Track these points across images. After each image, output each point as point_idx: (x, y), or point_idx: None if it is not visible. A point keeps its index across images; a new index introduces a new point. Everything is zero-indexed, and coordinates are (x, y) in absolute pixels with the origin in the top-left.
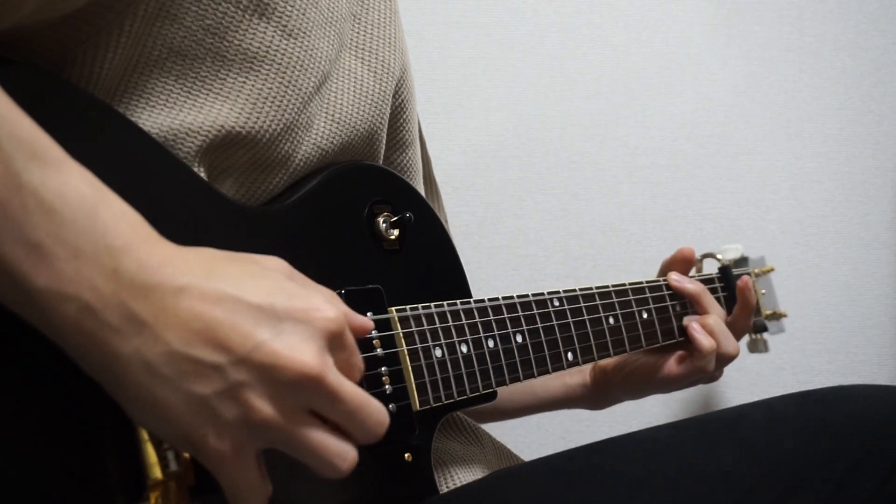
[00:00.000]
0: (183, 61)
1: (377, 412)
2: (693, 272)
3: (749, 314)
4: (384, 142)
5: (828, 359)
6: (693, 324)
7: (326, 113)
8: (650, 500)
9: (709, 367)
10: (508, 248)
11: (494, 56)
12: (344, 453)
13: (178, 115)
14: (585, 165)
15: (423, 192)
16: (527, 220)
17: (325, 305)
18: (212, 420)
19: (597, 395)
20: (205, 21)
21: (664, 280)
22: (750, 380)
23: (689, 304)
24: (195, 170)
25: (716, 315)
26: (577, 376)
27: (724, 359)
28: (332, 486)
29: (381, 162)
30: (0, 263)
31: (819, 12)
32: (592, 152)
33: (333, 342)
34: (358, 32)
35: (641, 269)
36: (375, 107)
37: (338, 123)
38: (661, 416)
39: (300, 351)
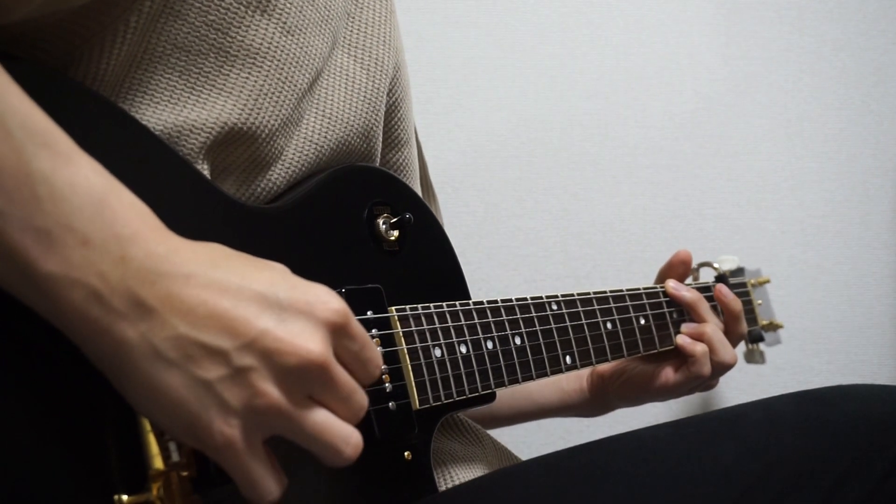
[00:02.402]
0: (187, 57)
1: (361, 399)
2: (689, 281)
3: (736, 319)
4: (381, 139)
5: (828, 359)
6: (680, 335)
7: (317, 109)
8: (649, 499)
9: (704, 372)
10: (508, 248)
11: (494, 56)
12: (348, 437)
13: (182, 111)
14: (585, 165)
15: (419, 192)
16: (527, 220)
17: (328, 296)
18: (217, 405)
19: (594, 402)
20: (208, 17)
21: (661, 287)
22: (750, 380)
23: (685, 312)
24: (199, 167)
25: (712, 324)
26: (574, 383)
27: (720, 367)
28: (332, 483)
29: (378, 160)
30: (9, 249)
31: (819, 12)
32: (592, 152)
33: (337, 331)
34: (352, 31)
35: (641, 270)
36: (369, 104)
37: (330, 119)
38: (660, 416)
39: (303, 338)
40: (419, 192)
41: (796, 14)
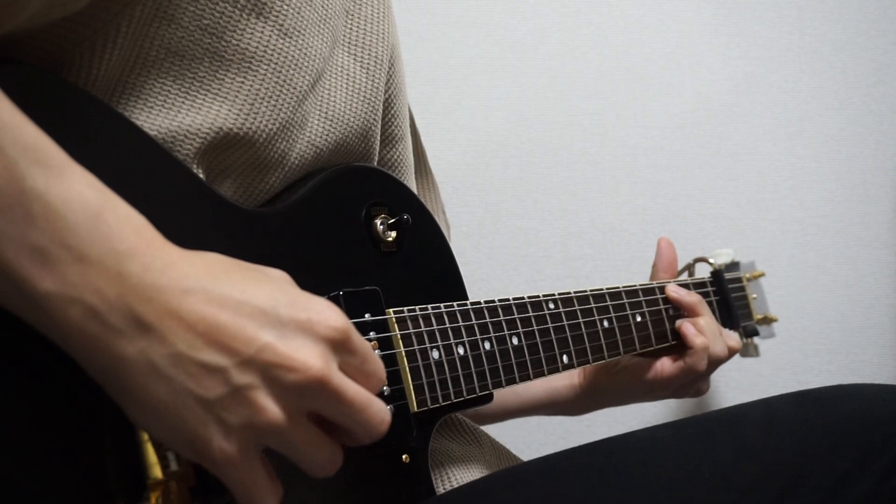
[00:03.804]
0: (181, 62)
1: (379, 411)
2: (685, 276)
3: (691, 310)
4: (378, 138)
5: (828, 359)
6: (685, 323)
7: (320, 111)
8: (648, 500)
9: (700, 367)
10: (508, 248)
11: (494, 56)
12: (336, 456)
13: (177, 116)
14: (585, 165)
15: (414, 187)
16: (527, 220)
17: (328, 311)
18: (217, 422)
19: (584, 397)
20: (202, 21)
21: (657, 284)
22: (749, 380)
23: (684, 314)
24: (194, 171)
25: (707, 317)
26: (566, 379)
27: (713, 361)
28: (329, 488)
29: (375, 159)
30: (4, 268)
31: (819, 12)
32: (592, 152)
33: (338, 347)
34: (351, 28)
35: (641, 270)
36: (368, 103)
37: (331, 121)
38: (660, 416)
39: (304, 353)
40: (414, 187)
41: (796, 14)
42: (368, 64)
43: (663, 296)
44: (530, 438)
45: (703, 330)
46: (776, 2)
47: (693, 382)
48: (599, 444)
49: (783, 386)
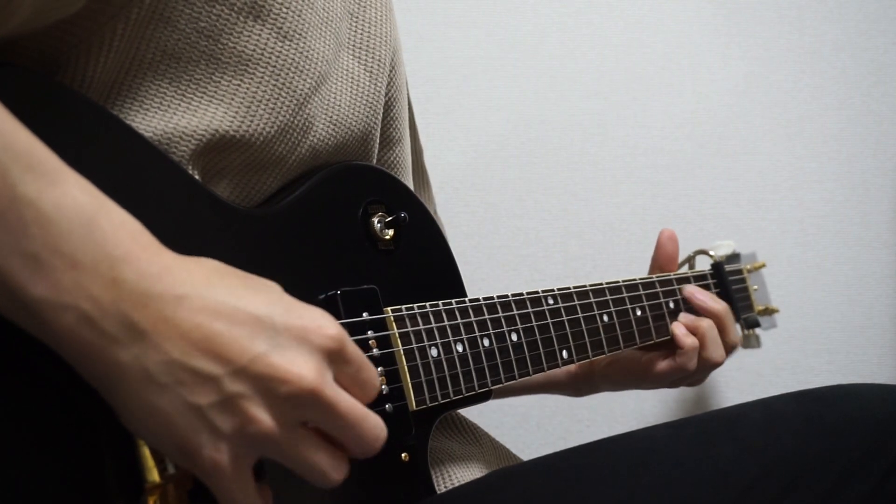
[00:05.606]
0: (177, 64)
1: (374, 427)
2: (685, 269)
3: (717, 319)
4: (378, 141)
5: (828, 359)
6: (677, 324)
7: (326, 115)
8: (648, 500)
9: (690, 366)
10: (508, 248)
11: (494, 56)
12: (337, 464)
13: (172, 118)
14: (585, 165)
15: (411, 188)
16: (527, 220)
17: (323, 320)
18: (208, 430)
19: (580, 382)
20: (199, 24)
21: (658, 278)
22: (749, 380)
23: (682, 302)
24: (189, 172)
25: (710, 321)
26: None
27: (707, 363)
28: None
29: (374, 161)
30: None
31: (819, 12)
32: (592, 152)
33: (333, 357)
34: (355, 31)
35: (641, 269)
36: (370, 107)
37: (335, 125)
38: (660, 416)
39: (297, 364)
40: (411, 188)
41: (796, 14)
42: (372, 67)
43: (664, 289)
44: (530, 438)
45: (703, 333)
46: (776, 2)
47: (687, 378)
48: (599, 443)
49: (783, 386)
